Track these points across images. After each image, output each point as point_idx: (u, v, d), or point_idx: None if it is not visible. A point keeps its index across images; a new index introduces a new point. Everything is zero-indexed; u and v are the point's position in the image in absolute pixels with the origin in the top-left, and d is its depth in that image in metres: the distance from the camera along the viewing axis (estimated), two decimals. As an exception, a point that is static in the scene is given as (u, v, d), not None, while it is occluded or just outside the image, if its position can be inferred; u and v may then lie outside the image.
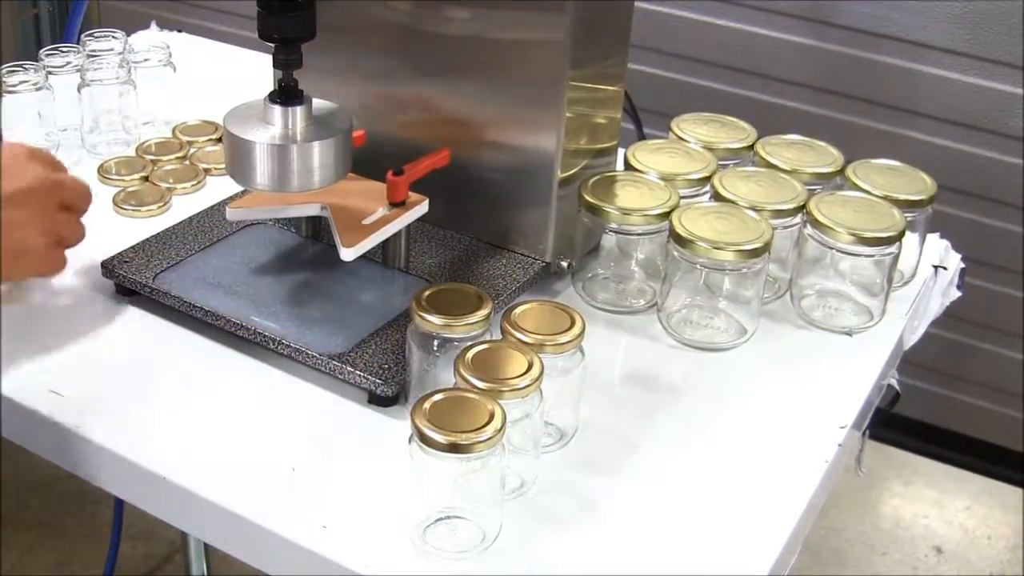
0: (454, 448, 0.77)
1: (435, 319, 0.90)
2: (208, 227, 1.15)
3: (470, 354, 0.86)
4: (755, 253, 1.04)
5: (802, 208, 1.12)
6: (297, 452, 0.91)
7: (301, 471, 0.89)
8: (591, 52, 1.07)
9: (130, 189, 1.26)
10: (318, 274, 1.09)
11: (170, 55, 1.43)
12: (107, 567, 1.80)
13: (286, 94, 0.97)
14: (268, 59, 0.97)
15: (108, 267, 1.08)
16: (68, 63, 1.37)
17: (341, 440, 0.94)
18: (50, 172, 0.99)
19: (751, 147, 1.24)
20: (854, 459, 1.21)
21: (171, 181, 1.29)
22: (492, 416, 0.79)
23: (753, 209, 1.09)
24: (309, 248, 1.13)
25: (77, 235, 1.03)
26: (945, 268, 1.24)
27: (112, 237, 1.12)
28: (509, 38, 1.06)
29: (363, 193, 1.07)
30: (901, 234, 1.09)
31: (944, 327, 2.10)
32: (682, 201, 1.11)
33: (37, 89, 1.31)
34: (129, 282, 1.06)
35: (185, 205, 1.22)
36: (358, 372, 0.95)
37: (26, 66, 1.31)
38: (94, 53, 1.35)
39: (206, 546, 1.82)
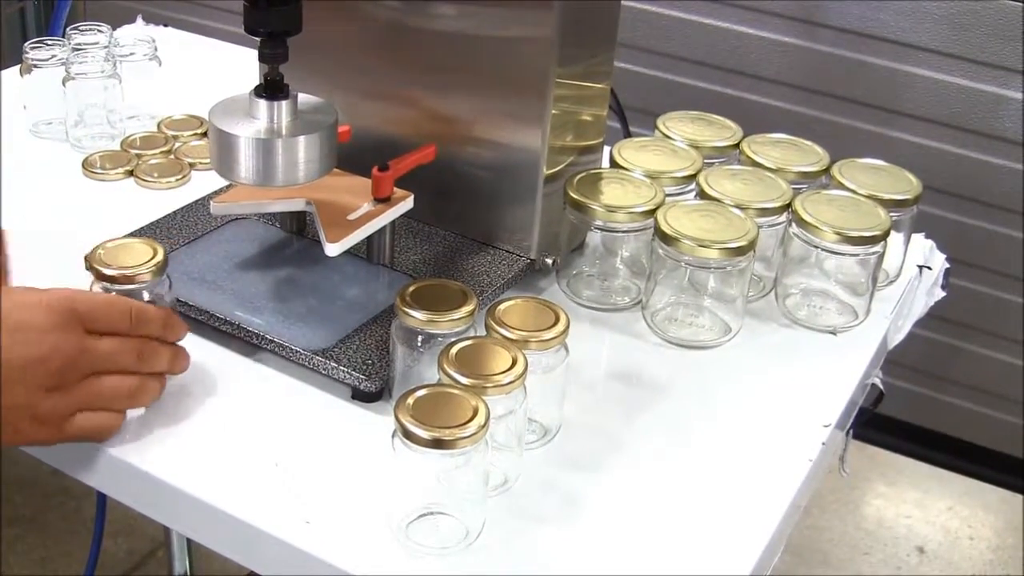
0: (437, 444, 0.77)
1: (419, 315, 0.90)
2: (192, 222, 1.15)
3: (454, 350, 0.86)
4: (740, 251, 1.04)
5: (787, 207, 1.12)
6: (280, 447, 0.91)
7: (284, 466, 0.89)
8: (578, 49, 1.07)
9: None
10: (302, 269, 1.08)
11: (156, 49, 1.42)
12: (89, 563, 1.80)
13: (271, 88, 0.97)
14: (254, 54, 0.97)
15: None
16: (53, 56, 1.36)
17: (324, 436, 0.93)
18: (76, 339, 0.84)
19: (737, 146, 1.24)
20: (837, 459, 1.21)
21: (156, 175, 1.29)
22: (476, 412, 0.79)
23: (738, 207, 1.09)
24: (294, 243, 1.13)
25: (127, 401, 0.89)
26: (930, 268, 1.24)
27: (96, 231, 1.11)
28: (496, 34, 1.05)
29: (348, 189, 1.07)
30: (886, 233, 1.09)
31: (928, 327, 2.11)
32: (667, 199, 1.11)
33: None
34: (112, 276, 1.06)
35: (169, 199, 1.22)
36: (342, 368, 0.95)
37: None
38: (79, 47, 1.34)
39: (189, 542, 1.82)
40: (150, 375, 0.90)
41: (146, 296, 0.94)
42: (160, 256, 0.94)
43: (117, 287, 0.93)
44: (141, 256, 0.94)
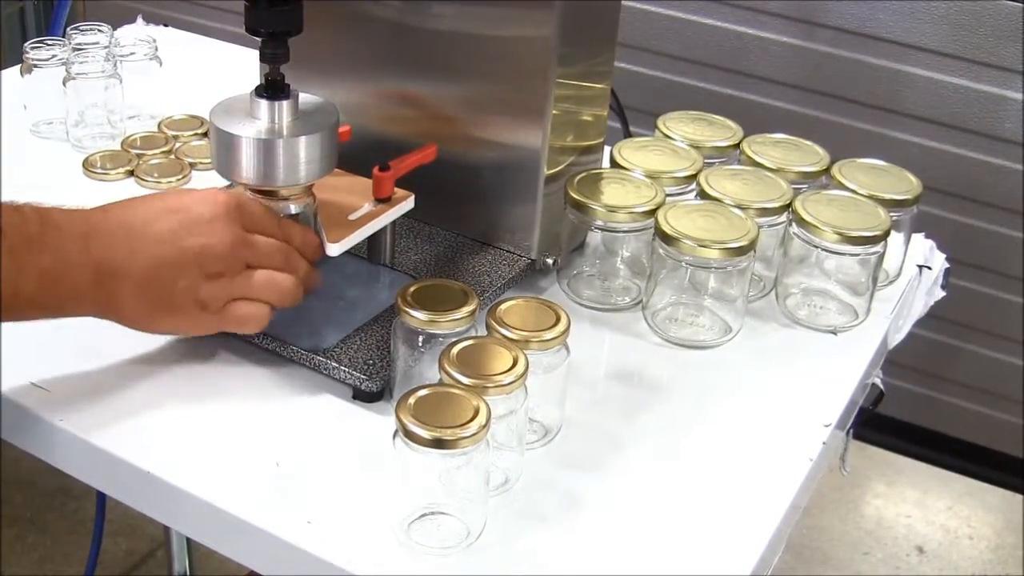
0: (438, 444, 0.77)
1: (420, 315, 0.90)
2: (193, 222, 1.14)
3: (455, 350, 0.86)
4: (740, 251, 1.04)
5: (788, 207, 1.12)
6: (281, 447, 0.91)
7: (285, 466, 0.89)
8: (578, 49, 1.07)
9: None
10: (303, 269, 1.08)
11: (156, 49, 1.42)
12: (89, 563, 1.80)
13: (272, 88, 0.97)
14: (254, 54, 0.97)
15: None
16: (53, 56, 1.36)
17: (326, 436, 0.93)
18: (238, 233, 0.93)
19: (737, 146, 1.24)
20: (838, 458, 1.21)
21: (156, 175, 1.29)
22: (477, 412, 0.79)
23: (739, 207, 1.09)
24: (294, 243, 1.13)
25: (277, 294, 0.96)
26: (930, 268, 1.24)
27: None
28: (496, 34, 1.05)
29: (349, 188, 1.07)
30: (886, 233, 1.09)
31: (928, 327, 2.11)
32: (668, 199, 1.11)
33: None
34: (113, 276, 1.06)
35: (170, 199, 1.22)
36: (343, 368, 0.95)
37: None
38: (80, 47, 1.34)
39: (189, 542, 1.82)
40: (296, 278, 0.97)
41: (293, 209, 1.00)
42: None
43: (268, 198, 0.99)
44: None
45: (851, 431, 1.15)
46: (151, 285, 0.91)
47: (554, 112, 1.06)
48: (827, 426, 0.98)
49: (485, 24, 1.06)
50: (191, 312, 0.93)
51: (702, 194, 1.14)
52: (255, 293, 0.94)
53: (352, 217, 1.03)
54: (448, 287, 0.94)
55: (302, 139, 0.97)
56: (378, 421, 0.94)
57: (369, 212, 1.04)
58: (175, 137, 1.37)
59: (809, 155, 1.22)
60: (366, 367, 0.95)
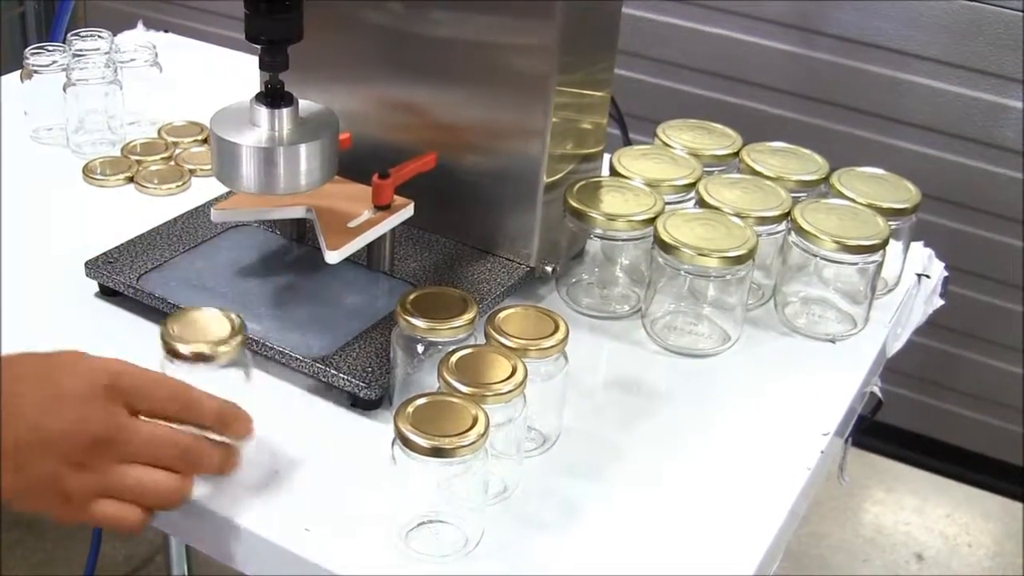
0: (437, 452, 0.77)
1: (420, 323, 0.90)
2: (193, 228, 1.15)
3: (454, 358, 0.86)
4: (739, 260, 1.04)
5: (787, 215, 1.12)
6: (280, 455, 0.91)
7: (284, 473, 0.89)
8: (578, 57, 1.08)
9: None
10: (302, 277, 1.08)
11: (156, 55, 1.43)
12: (88, 568, 1.80)
13: (272, 96, 0.97)
14: (254, 60, 0.97)
15: (92, 267, 1.07)
16: (54, 62, 1.36)
17: (324, 443, 0.93)
18: (114, 418, 0.77)
19: (736, 154, 1.24)
20: (837, 466, 1.21)
21: (156, 182, 1.29)
22: (475, 420, 0.79)
23: (738, 216, 1.09)
24: (294, 250, 1.13)
25: (153, 497, 0.80)
26: (928, 276, 1.24)
27: (96, 237, 1.12)
28: (497, 42, 1.06)
29: (348, 196, 1.07)
30: (885, 242, 1.09)
31: (927, 335, 2.11)
32: (667, 207, 1.11)
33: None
34: (113, 282, 1.06)
35: (170, 206, 1.22)
36: (341, 375, 0.95)
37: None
38: (80, 52, 1.34)
39: (188, 548, 1.82)
40: (183, 478, 0.81)
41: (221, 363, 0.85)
42: (238, 328, 0.86)
43: (187, 364, 0.84)
44: (216, 330, 0.85)
45: (850, 439, 1.15)
46: (8, 467, 0.75)
47: (554, 120, 1.06)
48: (825, 435, 0.98)
49: (485, 32, 1.06)
50: (53, 502, 0.78)
51: (701, 202, 1.14)
52: (128, 494, 0.79)
53: (351, 224, 1.04)
54: (447, 295, 0.94)
55: (302, 147, 0.97)
56: (377, 429, 0.94)
57: (368, 219, 1.05)
58: (175, 143, 1.38)
59: (808, 163, 1.22)
60: (365, 375, 0.95)
